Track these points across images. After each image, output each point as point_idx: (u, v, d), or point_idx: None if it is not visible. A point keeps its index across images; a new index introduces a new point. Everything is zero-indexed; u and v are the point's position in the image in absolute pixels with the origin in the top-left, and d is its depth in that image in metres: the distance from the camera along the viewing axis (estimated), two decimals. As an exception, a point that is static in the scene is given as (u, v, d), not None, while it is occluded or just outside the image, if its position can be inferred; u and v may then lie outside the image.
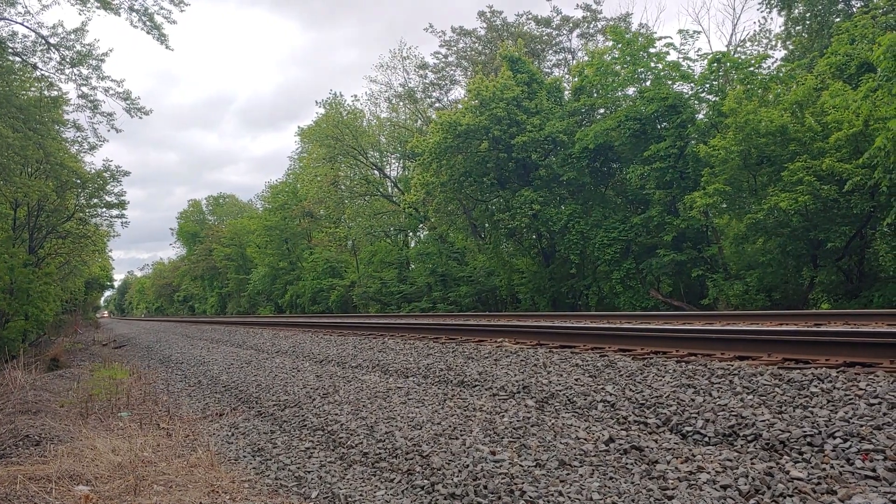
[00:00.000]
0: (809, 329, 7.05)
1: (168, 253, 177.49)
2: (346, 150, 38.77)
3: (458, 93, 39.34)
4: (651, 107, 19.85)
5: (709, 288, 18.47)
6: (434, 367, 8.33)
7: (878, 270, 15.63)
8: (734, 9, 48.00)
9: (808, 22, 24.39)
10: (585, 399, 5.76)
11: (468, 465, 4.77)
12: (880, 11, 17.15)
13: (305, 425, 7.16)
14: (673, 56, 20.51)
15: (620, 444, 4.64)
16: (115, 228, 35.76)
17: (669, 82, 20.35)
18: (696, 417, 4.80)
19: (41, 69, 19.12)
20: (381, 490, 4.92)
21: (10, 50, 18.17)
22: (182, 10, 17.61)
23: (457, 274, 30.70)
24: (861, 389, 4.50)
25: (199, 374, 13.47)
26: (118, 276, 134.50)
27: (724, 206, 18.86)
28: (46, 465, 6.24)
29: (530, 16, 36.96)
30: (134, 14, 17.55)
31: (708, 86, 19.94)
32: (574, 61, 34.88)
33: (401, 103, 41.54)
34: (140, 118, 20.56)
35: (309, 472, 5.66)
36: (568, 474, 4.36)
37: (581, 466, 4.44)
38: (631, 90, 22.28)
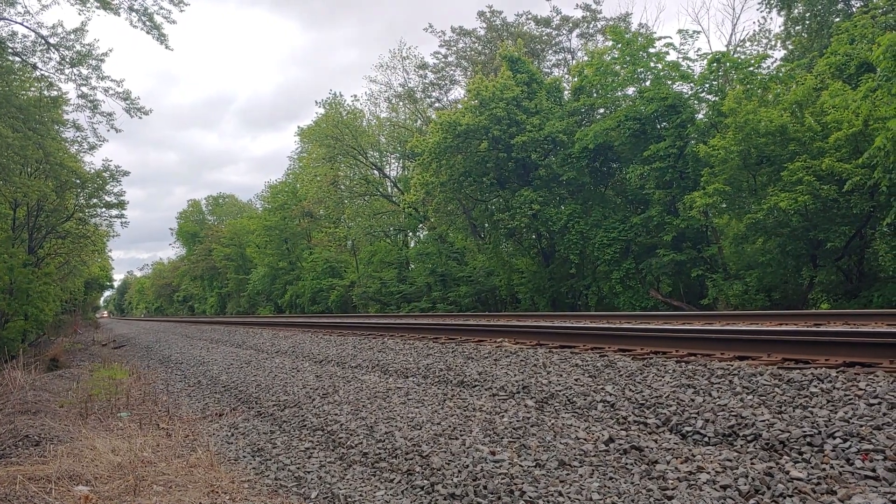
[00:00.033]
0: (809, 329, 7.05)
1: (168, 253, 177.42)
2: (345, 150, 38.76)
3: (457, 93, 39.39)
4: (651, 107, 19.85)
5: (708, 288, 18.47)
6: (434, 367, 8.33)
7: (878, 270, 15.63)
8: (734, 9, 47.91)
9: (807, 22, 24.40)
10: (585, 399, 5.76)
11: (468, 466, 4.77)
12: (880, 11, 17.15)
13: (305, 425, 7.16)
14: (672, 56, 20.53)
15: (620, 445, 4.64)
16: (114, 228, 35.81)
17: (669, 82, 20.35)
18: (695, 417, 4.80)
19: (41, 69, 19.15)
20: (381, 490, 4.92)
21: (9, 50, 18.17)
22: (182, 10, 17.63)
23: (456, 274, 30.71)
24: (861, 389, 4.50)
25: (198, 375, 13.47)
26: (118, 276, 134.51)
27: (724, 205, 18.87)
28: (46, 465, 6.23)
29: (530, 16, 36.99)
30: (133, 14, 17.57)
31: (707, 86, 19.94)
32: (574, 61, 34.90)
33: (400, 103, 41.56)
34: (140, 118, 20.58)
35: (308, 472, 5.66)
36: (568, 474, 4.36)
37: (581, 466, 4.44)
38: (630, 90, 22.28)
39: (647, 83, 20.98)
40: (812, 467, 3.77)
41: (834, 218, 15.69)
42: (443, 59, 38.86)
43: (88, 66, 19.11)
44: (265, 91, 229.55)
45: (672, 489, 3.89)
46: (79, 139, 27.31)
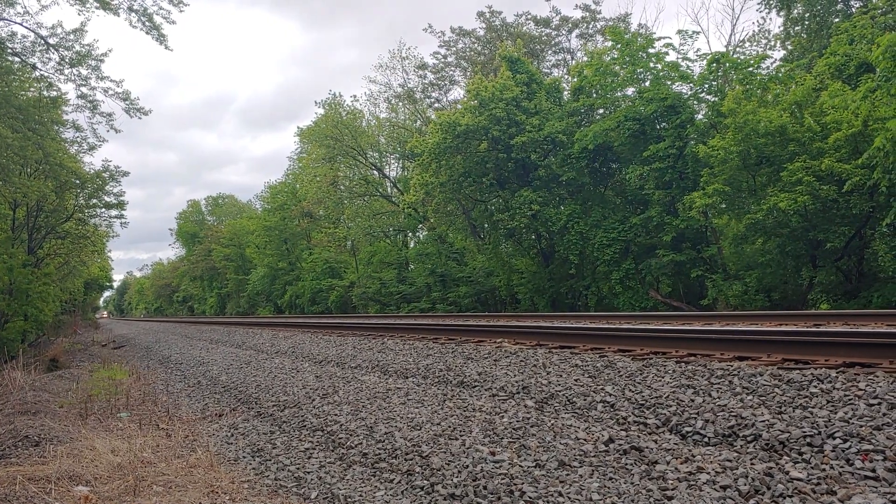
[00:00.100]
0: (809, 329, 7.06)
1: (167, 253, 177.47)
2: (345, 151, 38.76)
3: (457, 93, 39.39)
4: (650, 107, 19.86)
5: (708, 288, 18.47)
6: (433, 367, 8.34)
7: (878, 271, 15.64)
8: (733, 9, 48.00)
9: (806, 22, 24.40)
10: (585, 399, 5.76)
11: (468, 466, 4.77)
12: (879, 12, 17.16)
13: (305, 426, 7.16)
14: (672, 56, 20.52)
15: (620, 445, 4.64)
16: (114, 229, 35.85)
17: (668, 83, 20.35)
18: (695, 418, 4.80)
19: (40, 69, 19.15)
20: (381, 490, 4.92)
21: (9, 50, 18.17)
22: (181, 11, 17.64)
23: (456, 274, 30.71)
24: (860, 390, 4.50)
25: (198, 375, 13.47)
26: (117, 277, 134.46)
27: (724, 206, 18.87)
28: (46, 465, 6.23)
29: (529, 16, 36.99)
30: (133, 14, 17.57)
31: (707, 86, 19.94)
32: (573, 61, 34.91)
33: (400, 103, 41.56)
34: (139, 118, 20.59)
35: (308, 472, 5.66)
36: (567, 475, 4.36)
37: (581, 467, 4.44)
38: (630, 90, 22.28)
39: (647, 83, 20.98)
40: (812, 467, 3.78)
41: (833, 218, 15.69)
42: (442, 60, 38.89)
43: (88, 67, 19.13)
44: (265, 91, 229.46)
45: (672, 489, 3.89)
46: (78, 139, 27.35)
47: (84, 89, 19.64)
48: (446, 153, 24.98)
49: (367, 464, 5.55)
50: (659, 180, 20.05)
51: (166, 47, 18.48)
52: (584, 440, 4.86)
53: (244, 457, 6.55)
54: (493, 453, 4.88)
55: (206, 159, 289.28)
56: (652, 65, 20.63)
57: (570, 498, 4.03)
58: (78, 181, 27.96)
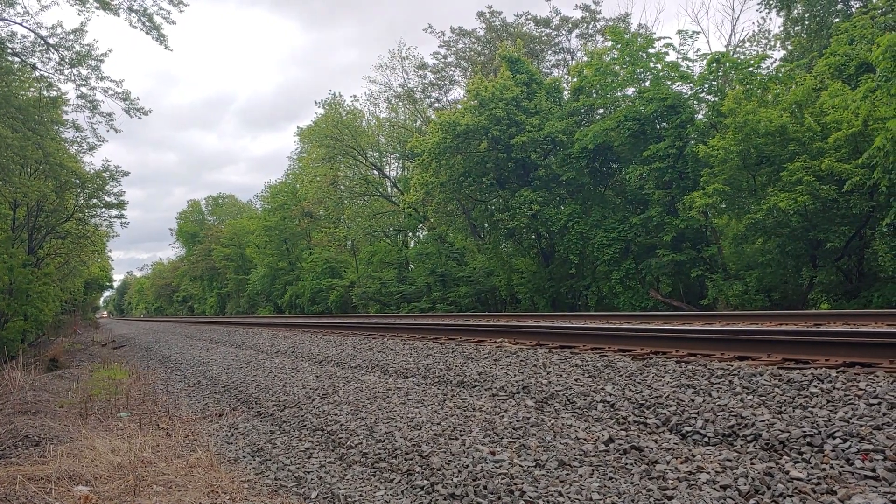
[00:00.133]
0: (809, 329, 7.06)
1: (167, 253, 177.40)
2: (345, 151, 38.76)
3: (457, 93, 39.40)
4: (650, 107, 19.86)
5: (708, 288, 18.47)
6: (433, 367, 8.34)
7: (878, 270, 15.64)
8: (733, 9, 48.01)
9: (806, 22, 24.40)
10: (585, 399, 5.76)
11: (468, 466, 4.77)
12: (879, 12, 17.16)
13: (305, 425, 7.16)
14: (672, 56, 20.53)
15: (620, 445, 4.64)
16: (114, 229, 35.86)
17: (668, 82, 20.36)
18: (695, 418, 4.80)
19: (40, 69, 19.16)
20: (381, 490, 4.92)
21: (9, 50, 18.18)
22: (181, 11, 17.64)
23: (456, 274, 30.71)
24: (861, 389, 4.50)
25: (198, 375, 13.47)
26: (117, 277, 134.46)
27: (724, 206, 18.88)
28: (46, 465, 6.23)
29: (529, 16, 37.00)
30: (133, 14, 17.57)
31: (707, 86, 19.94)
32: (573, 62, 34.91)
33: (400, 103, 41.56)
34: (139, 118, 20.60)
35: (308, 472, 5.66)
36: (568, 474, 4.36)
37: (581, 467, 4.44)
38: (630, 90, 22.28)
39: (647, 83, 20.99)
40: (812, 467, 3.78)
41: (833, 218, 15.69)
42: (442, 60, 38.89)
43: (88, 67, 19.14)
44: (265, 91, 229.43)
45: (672, 489, 3.89)
46: (78, 139, 27.36)
47: (84, 89, 19.67)
48: (446, 153, 24.98)
49: (367, 463, 5.55)
50: (659, 180, 20.05)
51: (166, 47, 18.50)
52: (584, 440, 4.86)
53: (244, 456, 6.55)
54: (493, 453, 4.88)
55: (206, 159, 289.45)
56: (652, 65, 20.64)
57: (570, 498, 4.03)
58: (78, 181, 27.98)
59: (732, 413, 4.65)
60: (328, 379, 9.13)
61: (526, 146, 23.30)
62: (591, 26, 35.72)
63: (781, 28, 25.95)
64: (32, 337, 31.06)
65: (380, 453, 5.60)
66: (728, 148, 16.75)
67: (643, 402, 5.36)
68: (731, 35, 34.33)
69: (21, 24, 17.92)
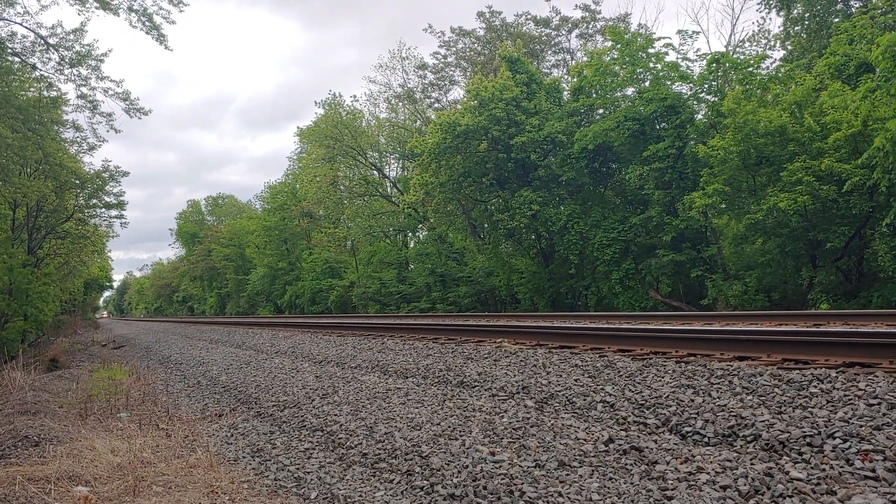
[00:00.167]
0: (809, 329, 7.06)
1: (167, 253, 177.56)
2: (345, 151, 38.76)
3: (457, 93, 39.40)
4: (650, 107, 19.86)
5: (708, 288, 18.47)
6: (433, 367, 8.34)
7: (877, 271, 15.64)
8: (733, 9, 47.97)
9: (806, 22, 24.40)
10: (585, 399, 5.76)
11: (468, 466, 4.77)
12: (879, 12, 17.16)
13: (305, 426, 7.15)
14: (672, 56, 20.53)
15: (620, 445, 4.64)
16: (114, 229, 35.87)
17: (668, 83, 20.36)
18: (695, 418, 4.80)
19: (40, 69, 19.17)
20: (381, 491, 4.92)
21: (9, 50, 18.18)
22: (181, 11, 17.66)
23: (456, 274, 30.71)
24: (860, 390, 4.50)
25: (198, 375, 13.47)
26: (117, 277, 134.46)
27: (724, 206, 18.87)
28: (45, 465, 6.23)
29: (529, 16, 36.99)
30: (133, 14, 17.58)
31: (707, 86, 19.94)
32: (573, 62, 34.91)
33: (400, 104, 41.56)
34: (139, 118, 20.62)
35: (308, 472, 5.66)
36: (567, 475, 4.36)
37: (580, 467, 4.44)
38: (630, 90, 22.28)
39: (647, 84, 20.99)
40: (812, 468, 3.78)
41: (833, 218, 15.69)
42: (442, 60, 38.89)
43: (88, 67, 19.15)
44: (265, 91, 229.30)
45: (672, 489, 3.89)
46: (78, 139, 27.37)
47: (84, 89, 19.68)
48: (446, 153, 24.99)
49: (366, 464, 5.55)
50: (659, 180, 20.05)
51: (166, 47, 18.51)
52: (584, 440, 4.86)
53: (244, 457, 6.55)
54: (492, 453, 4.88)
55: (206, 159, 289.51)
56: (652, 65, 20.64)
57: (569, 498, 4.03)
58: (78, 181, 27.98)
59: (732, 413, 4.65)
60: (328, 379, 9.13)
61: (526, 146, 23.30)
62: (590, 26, 35.74)
63: (781, 28, 25.97)
64: (32, 337, 31.07)
65: (379, 453, 5.60)
66: (728, 148, 16.75)
67: (643, 402, 5.36)
68: (730, 35, 34.33)
69: (21, 24, 17.95)
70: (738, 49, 26.26)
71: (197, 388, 11.97)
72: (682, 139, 19.58)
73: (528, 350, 8.09)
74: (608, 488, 4.06)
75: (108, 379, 14.99)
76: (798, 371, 5.12)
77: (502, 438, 5.18)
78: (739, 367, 5.55)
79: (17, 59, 18.65)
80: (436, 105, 39.85)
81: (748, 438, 4.30)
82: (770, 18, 47.02)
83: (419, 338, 11.20)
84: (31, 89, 20.81)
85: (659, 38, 21.08)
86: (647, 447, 4.51)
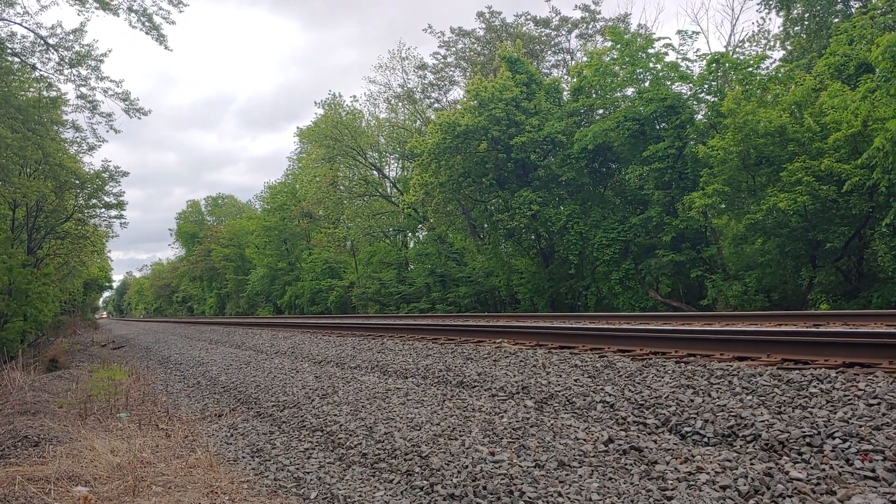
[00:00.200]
0: (808, 330, 7.06)
1: (167, 254, 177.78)
2: (344, 151, 38.76)
3: (457, 93, 39.40)
4: (650, 107, 19.87)
5: (708, 288, 18.47)
6: (433, 367, 8.33)
7: (877, 271, 15.64)
8: (733, 9, 48.07)
9: (806, 22, 24.41)
10: (584, 400, 5.76)
11: (467, 466, 4.77)
12: (879, 12, 17.17)
13: (304, 426, 7.15)
14: (672, 57, 20.53)
15: (619, 445, 4.64)
16: (113, 229, 35.86)
17: (668, 83, 20.36)
18: (695, 418, 4.80)
19: (40, 70, 19.17)
20: (381, 491, 4.92)
21: (8, 50, 18.18)
22: (181, 11, 17.65)
23: (456, 274, 30.71)
24: (860, 390, 4.50)
25: (197, 375, 13.47)
26: (117, 277, 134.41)
27: (723, 206, 18.87)
28: (45, 465, 6.23)
29: (529, 16, 37.01)
30: (133, 14, 17.58)
31: (706, 86, 19.95)
32: (573, 62, 34.92)
33: (400, 104, 41.57)
34: (139, 119, 20.61)
35: (308, 472, 5.65)
36: (567, 475, 4.36)
37: (580, 467, 4.44)
38: (630, 91, 22.28)
39: (647, 84, 20.99)
40: (811, 468, 3.78)
41: (833, 218, 15.70)
42: (442, 60, 38.89)
43: (87, 67, 19.14)
44: (265, 91, 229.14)
45: (671, 489, 3.89)
46: (78, 140, 27.36)
47: (84, 89, 19.67)
48: (446, 153, 24.99)
49: (366, 464, 5.55)
50: (658, 180, 20.05)
51: (166, 47, 18.50)
52: (584, 440, 4.86)
53: (244, 457, 6.55)
54: (492, 453, 4.88)
55: (205, 159, 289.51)
56: (651, 65, 20.64)
57: (569, 498, 4.03)
58: (77, 181, 27.97)
59: (732, 413, 4.65)
60: (328, 379, 9.12)
61: (525, 146, 23.30)
62: (590, 26, 35.74)
63: (781, 28, 25.98)
64: (32, 337, 31.05)
65: (379, 454, 5.60)
66: (727, 148, 16.75)
67: (643, 402, 5.35)
68: (730, 35, 34.34)
69: (21, 25, 17.95)
70: (737, 49, 26.29)
71: (196, 389, 11.97)
72: (682, 139, 19.58)
73: (528, 350, 8.09)
74: (608, 488, 4.06)
75: (108, 379, 14.98)
76: (798, 371, 5.13)
77: (502, 438, 5.18)
78: (739, 367, 5.55)
79: (16, 59, 18.66)
80: (436, 105, 39.88)
81: (748, 438, 4.30)
82: (770, 19, 47.17)
83: (419, 338, 11.19)
84: (31, 89, 20.82)
85: (659, 39, 21.11)
86: (646, 447, 4.51)
